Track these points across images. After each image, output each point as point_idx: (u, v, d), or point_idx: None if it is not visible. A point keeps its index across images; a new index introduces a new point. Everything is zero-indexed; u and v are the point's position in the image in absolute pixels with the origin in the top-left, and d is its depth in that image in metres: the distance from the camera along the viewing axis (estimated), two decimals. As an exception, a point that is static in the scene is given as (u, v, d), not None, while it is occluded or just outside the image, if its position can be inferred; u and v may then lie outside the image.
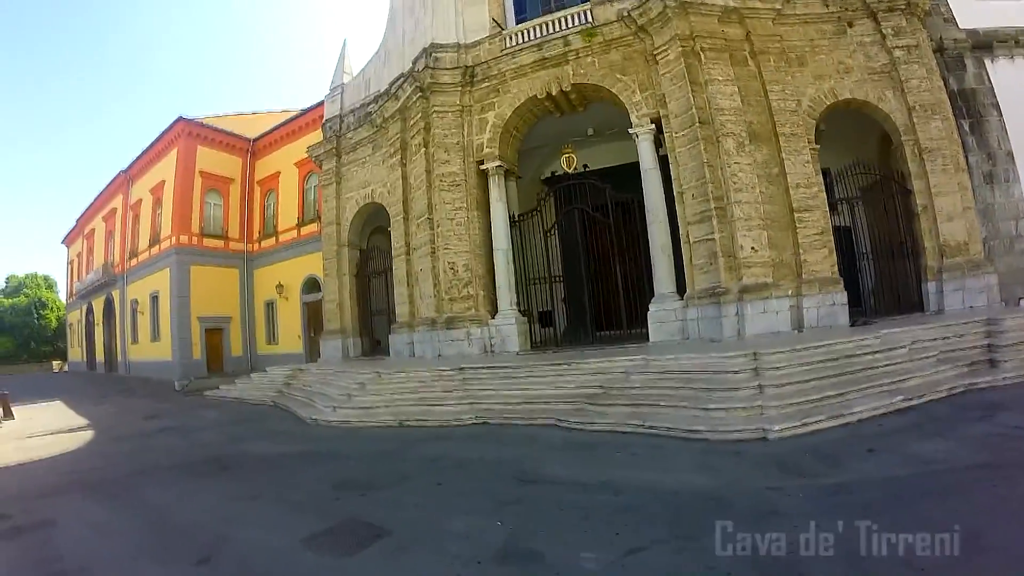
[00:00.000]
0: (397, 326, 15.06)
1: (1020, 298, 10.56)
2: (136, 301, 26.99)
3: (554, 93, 12.81)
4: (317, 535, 4.45)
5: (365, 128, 16.76)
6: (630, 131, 12.06)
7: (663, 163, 11.81)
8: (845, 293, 10.52)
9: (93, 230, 34.97)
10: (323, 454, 7.76)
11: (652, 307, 11.47)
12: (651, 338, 11.24)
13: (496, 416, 8.76)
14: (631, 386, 8.34)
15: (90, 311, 34.30)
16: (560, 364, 9.67)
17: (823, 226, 10.73)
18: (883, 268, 11.94)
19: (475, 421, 8.81)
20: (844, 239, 11.65)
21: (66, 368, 40.21)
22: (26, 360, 43.35)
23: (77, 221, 37.65)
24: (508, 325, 12.94)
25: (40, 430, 12.69)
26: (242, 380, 17.59)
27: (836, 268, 10.74)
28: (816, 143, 11.17)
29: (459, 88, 13.76)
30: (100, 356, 33.16)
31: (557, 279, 14.04)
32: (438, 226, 13.68)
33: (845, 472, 4.87)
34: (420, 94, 14.02)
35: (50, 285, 51.25)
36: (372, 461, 7.12)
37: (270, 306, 24.18)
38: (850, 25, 11.57)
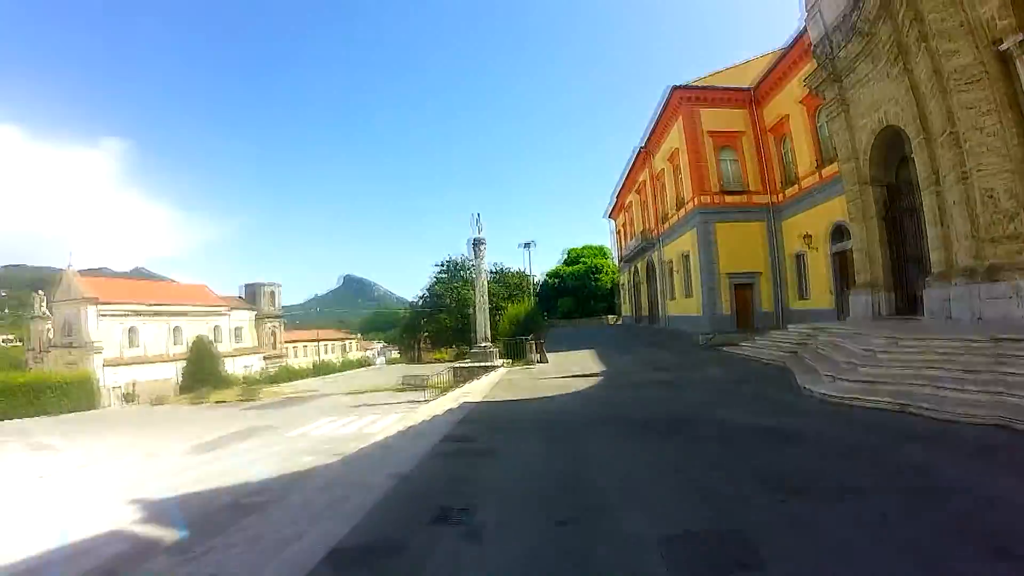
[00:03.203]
0: (931, 279, 11.88)
1: None
2: (671, 261, 29.84)
3: None
4: (678, 538, 3.80)
5: (855, 42, 13.93)
6: None
7: None
8: None
9: (631, 203, 41.31)
10: (786, 435, 6.88)
11: None
12: None
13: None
14: None
15: (636, 272, 40.54)
16: None
17: None
18: None
19: (996, 421, 6.20)
20: None
21: (620, 321, 48.60)
22: (583, 315, 54.83)
23: (615, 197, 45.22)
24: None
25: (555, 373, 16.16)
26: (761, 337, 17.47)
27: None
28: None
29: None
30: (644, 311, 38.77)
31: None
32: (964, 142, 10.03)
33: None
34: (902, -29, 10.56)
35: (604, 253, 62.96)
36: (833, 459, 5.71)
37: (799, 259, 22.86)
38: None
